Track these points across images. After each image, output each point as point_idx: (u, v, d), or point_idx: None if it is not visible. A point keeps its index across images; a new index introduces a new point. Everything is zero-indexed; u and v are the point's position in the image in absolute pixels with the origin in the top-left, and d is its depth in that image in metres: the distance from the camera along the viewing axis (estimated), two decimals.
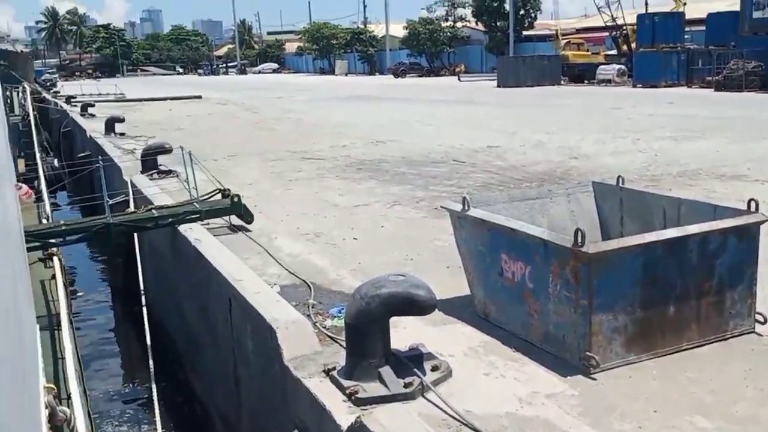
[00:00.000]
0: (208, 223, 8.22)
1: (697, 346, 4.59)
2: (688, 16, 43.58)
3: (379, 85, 52.34)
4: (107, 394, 8.90)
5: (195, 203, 8.31)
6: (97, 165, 9.34)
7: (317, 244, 7.65)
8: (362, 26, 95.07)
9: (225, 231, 8.25)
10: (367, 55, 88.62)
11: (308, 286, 6.17)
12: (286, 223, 8.68)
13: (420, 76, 69.51)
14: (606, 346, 4.30)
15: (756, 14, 34.58)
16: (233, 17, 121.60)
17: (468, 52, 75.06)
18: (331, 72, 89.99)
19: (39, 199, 11.48)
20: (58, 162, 19.94)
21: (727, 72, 33.40)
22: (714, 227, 4.59)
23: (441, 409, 3.89)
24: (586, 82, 44.74)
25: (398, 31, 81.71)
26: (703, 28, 41.75)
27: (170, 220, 7.99)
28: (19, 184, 10.77)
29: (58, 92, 45.58)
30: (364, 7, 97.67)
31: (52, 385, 4.24)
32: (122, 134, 19.21)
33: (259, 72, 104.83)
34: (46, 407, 3.66)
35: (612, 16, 47.48)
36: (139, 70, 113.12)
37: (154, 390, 6.65)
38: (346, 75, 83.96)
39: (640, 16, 43.24)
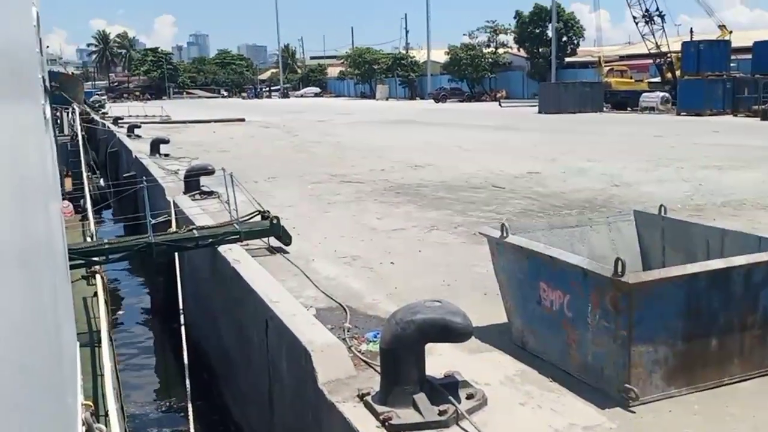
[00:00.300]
0: (247, 244, 8.30)
1: (740, 381, 4.46)
2: (734, 45, 43.02)
3: (419, 110, 52.54)
4: (144, 411, 8.97)
5: (235, 224, 8.40)
6: (141, 185, 9.53)
7: (354, 268, 7.66)
8: (404, 51, 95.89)
9: (263, 252, 8.31)
10: (408, 79, 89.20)
11: (344, 309, 6.17)
12: (324, 245, 8.72)
13: (461, 102, 69.63)
14: (646, 378, 4.20)
15: None
16: (278, 42, 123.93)
17: (509, 77, 75.06)
18: (372, 96, 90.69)
19: (84, 217, 11.73)
20: (104, 181, 20.40)
21: None
22: (759, 259, 4.47)
23: None
24: (628, 109, 44.30)
25: (440, 56, 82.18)
26: (749, 56, 41.14)
27: (210, 240, 8.09)
28: (65, 202, 11.02)
29: (106, 113, 46.68)
30: (407, 32, 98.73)
31: (90, 402, 4.29)
32: (167, 155, 19.58)
33: (302, 96, 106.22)
34: (83, 424, 3.70)
35: (656, 43, 47.19)
36: (184, 93, 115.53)
37: (190, 409, 6.69)
38: (387, 99, 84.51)
39: (685, 44, 42.81)
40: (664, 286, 4.21)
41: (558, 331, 4.65)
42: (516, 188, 13.07)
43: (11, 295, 1.64)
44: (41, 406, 2.06)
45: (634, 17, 48.01)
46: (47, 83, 4.52)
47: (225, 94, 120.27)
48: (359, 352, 5.16)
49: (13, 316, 1.64)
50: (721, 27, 47.97)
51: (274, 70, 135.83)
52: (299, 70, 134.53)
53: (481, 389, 4.32)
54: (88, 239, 10.12)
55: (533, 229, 5.63)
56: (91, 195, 14.27)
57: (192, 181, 12.53)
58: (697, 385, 4.35)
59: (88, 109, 43.54)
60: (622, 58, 62.54)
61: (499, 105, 56.32)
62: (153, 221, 8.56)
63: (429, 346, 4.26)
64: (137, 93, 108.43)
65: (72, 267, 6.85)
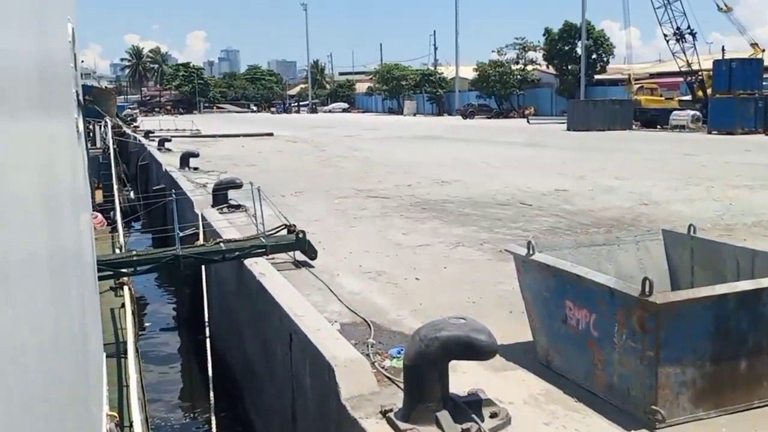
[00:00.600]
0: (273, 258, 8.35)
1: None
2: (766, 63, 42.48)
3: (446, 126, 52.57)
4: (168, 422, 9.03)
5: (261, 238, 8.47)
6: (170, 198, 9.65)
7: (379, 283, 7.66)
8: (432, 68, 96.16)
9: (289, 266, 8.35)
10: (435, 96, 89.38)
11: (368, 325, 6.16)
12: (349, 260, 8.73)
13: (488, 118, 69.54)
14: (673, 400, 4.14)
15: None
16: (307, 58, 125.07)
17: (538, 94, 74.84)
18: (400, 112, 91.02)
19: (114, 228, 11.89)
20: (134, 193, 20.68)
21: None
22: None
23: None
24: (658, 127, 43.92)
25: (468, 72, 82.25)
26: None
27: (237, 253, 8.16)
28: (94, 213, 11.18)
29: (138, 127, 47.45)
30: (435, 49, 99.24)
31: (115, 413, 4.33)
32: (196, 169, 19.81)
33: (330, 111, 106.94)
34: None
35: (687, 61, 46.78)
36: (215, 108, 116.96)
37: (213, 421, 6.72)
38: (415, 115, 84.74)
39: (716, 62, 42.35)
40: (693, 306, 4.15)
41: (584, 351, 4.60)
42: (543, 205, 12.99)
43: (41, 305, 1.68)
44: (67, 416, 2.09)
45: (665, 35, 47.69)
46: (81, 97, 4.61)
47: (254, 108, 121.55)
48: (383, 368, 5.14)
49: (42, 326, 1.67)
50: (754, 45, 47.50)
51: (303, 86, 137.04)
52: (328, 86, 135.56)
53: (505, 408, 4.28)
54: (117, 251, 10.26)
55: (560, 246, 5.59)
56: (121, 207, 14.48)
57: (220, 195, 12.66)
58: (725, 408, 4.27)
59: (120, 123, 44.31)
60: (652, 75, 62.10)
61: (528, 122, 56.16)
62: (181, 234, 8.67)
63: (453, 364, 4.24)
64: (168, 107, 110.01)
65: (100, 278, 6.94)
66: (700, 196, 14.05)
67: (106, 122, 30.42)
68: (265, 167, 20.99)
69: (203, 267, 8.90)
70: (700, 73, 46.45)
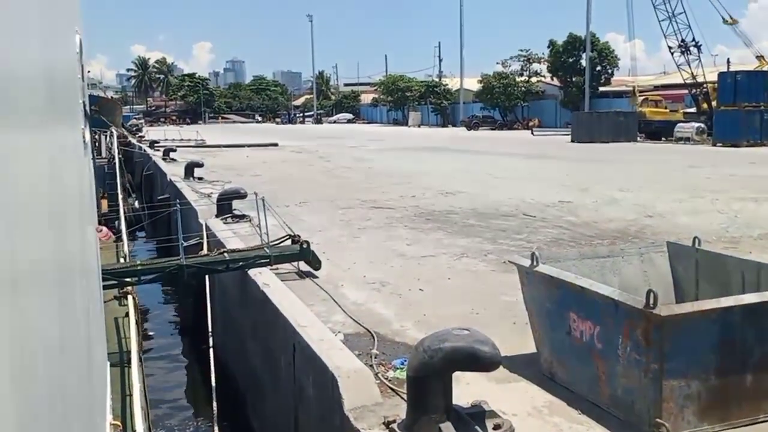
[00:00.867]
0: (276, 268, 8.36)
1: None
2: None
3: (451, 137, 52.63)
4: None
5: (265, 248, 8.48)
6: (175, 208, 9.68)
7: (382, 294, 7.66)
8: (437, 79, 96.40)
9: (293, 276, 8.36)
10: (440, 107, 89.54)
11: (372, 335, 6.16)
12: (353, 271, 8.73)
13: (493, 129, 69.61)
14: (678, 413, 4.12)
15: None
16: (312, 69, 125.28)
17: (542, 106, 74.89)
18: (405, 123, 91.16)
19: (119, 238, 11.92)
20: (139, 203, 20.74)
21: None
22: None
23: None
24: (663, 139, 43.86)
25: (472, 84, 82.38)
26: None
27: (241, 263, 8.17)
28: (100, 227, 11.22)
29: (143, 137, 47.61)
30: (440, 60, 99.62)
31: (118, 422, 4.33)
32: (200, 178, 19.86)
33: (335, 122, 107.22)
34: None
35: (692, 73, 46.76)
36: (220, 118, 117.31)
37: (216, 430, 6.71)
38: (419, 126, 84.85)
39: (721, 74, 42.36)
40: (697, 319, 4.14)
41: (588, 363, 4.58)
42: (547, 217, 12.98)
43: (47, 314, 1.68)
44: (72, 425, 2.09)
45: (670, 47, 47.72)
46: (88, 108, 4.64)
47: (259, 119, 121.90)
48: (386, 379, 5.14)
49: (49, 335, 1.68)
50: (760, 58, 47.48)
51: (308, 96, 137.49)
52: (333, 97, 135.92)
53: (509, 420, 4.27)
54: (122, 260, 10.27)
55: (564, 258, 5.58)
56: (125, 217, 14.51)
57: (224, 205, 12.69)
58: (731, 422, 4.25)
59: (126, 133, 44.45)
60: (656, 87, 62.09)
61: (532, 133, 56.19)
62: (185, 243, 8.68)
63: (456, 375, 4.23)
64: (174, 117, 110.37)
65: (105, 287, 6.95)
66: (705, 208, 14.02)
67: (111, 132, 30.53)
68: (269, 177, 21.03)
69: (207, 277, 8.91)
70: (705, 85, 46.41)
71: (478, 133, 62.43)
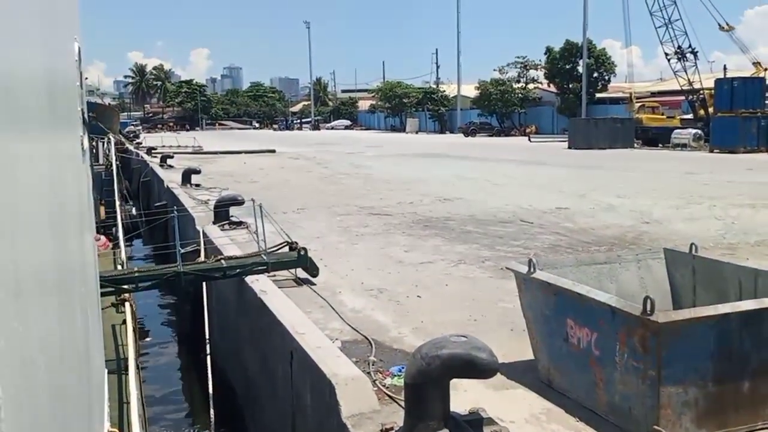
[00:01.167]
0: (274, 275, 8.35)
1: None
2: None
3: (448, 144, 52.70)
4: None
5: (263, 255, 8.48)
6: (172, 215, 9.68)
7: (380, 300, 7.66)
8: (434, 86, 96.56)
9: (290, 283, 8.35)
10: (437, 113, 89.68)
11: (369, 342, 6.16)
12: (351, 277, 8.73)
13: (490, 136, 69.71)
14: (675, 420, 4.12)
15: None
16: (310, 75, 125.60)
17: (539, 113, 75.04)
18: (402, 130, 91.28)
19: (116, 245, 11.91)
20: (136, 210, 20.73)
21: None
22: None
23: None
24: (660, 146, 43.97)
25: (470, 91, 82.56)
26: None
27: (238, 270, 8.16)
28: (98, 236, 11.21)
29: (140, 143, 47.62)
30: (437, 67, 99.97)
31: (116, 430, 4.32)
32: (197, 185, 19.86)
33: (332, 128, 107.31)
34: None
35: (689, 80, 46.92)
36: (217, 124, 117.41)
37: None
38: (417, 133, 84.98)
39: (718, 81, 42.46)
40: (695, 326, 4.15)
41: (585, 370, 4.59)
42: (544, 223, 13.00)
43: (48, 321, 1.69)
44: (67, 431, 2.09)
45: (667, 54, 47.88)
46: (86, 115, 4.65)
47: (256, 125, 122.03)
48: (384, 386, 5.14)
49: (50, 343, 1.68)
50: (756, 64, 47.65)
51: (305, 103, 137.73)
52: (330, 103, 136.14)
53: (506, 427, 4.27)
54: (119, 267, 10.27)
55: (561, 265, 5.59)
56: (123, 223, 14.50)
57: (221, 212, 12.69)
58: (728, 429, 4.25)
59: (123, 139, 44.46)
60: (653, 94, 62.30)
61: (529, 140, 56.25)
62: (182, 250, 8.68)
63: (454, 382, 4.23)
64: (171, 124, 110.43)
65: (102, 294, 6.95)
66: (702, 214, 14.05)
67: (109, 139, 30.52)
68: (266, 184, 21.04)
69: (204, 284, 8.91)
70: (701, 91, 46.57)
71: (475, 140, 62.51)
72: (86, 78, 4.81)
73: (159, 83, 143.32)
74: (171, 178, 21.29)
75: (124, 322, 7.71)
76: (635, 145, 44.53)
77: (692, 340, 4.13)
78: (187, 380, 10.94)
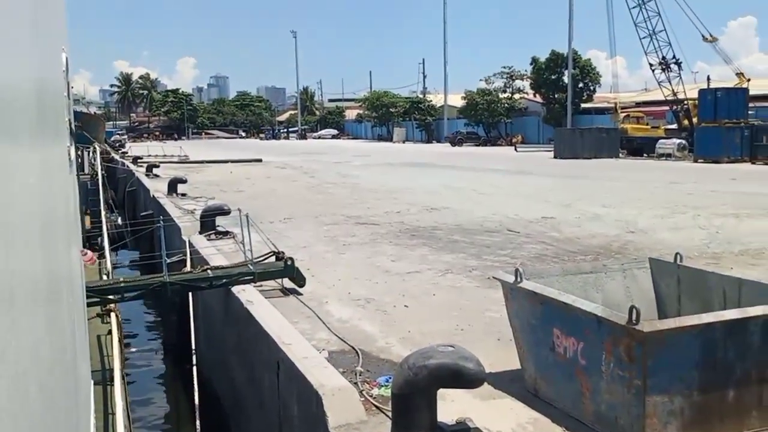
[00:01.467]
0: (260, 285, 8.33)
1: None
2: (752, 92, 43.05)
3: (435, 153, 52.85)
4: None
5: (249, 265, 8.46)
6: (158, 225, 9.64)
7: (367, 310, 7.65)
8: (421, 96, 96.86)
9: (277, 293, 8.34)
10: (424, 123, 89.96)
11: (356, 353, 6.15)
12: (338, 287, 8.73)
13: (477, 145, 70.03)
14: (661, 429, 4.14)
15: None
16: (297, 84, 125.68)
17: (525, 122, 75.46)
18: (389, 139, 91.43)
19: (101, 255, 11.84)
20: (122, 220, 20.61)
21: None
22: None
23: None
24: (645, 155, 44.29)
25: (456, 101, 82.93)
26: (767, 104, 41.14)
27: (224, 280, 8.14)
28: (85, 250, 11.14)
29: (126, 152, 47.40)
30: (424, 77, 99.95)
31: None
32: (184, 195, 19.80)
33: (319, 137, 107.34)
34: None
35: (673, 90, 47.35)
36: (203, 134, 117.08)
37: None
38: (404, 142, 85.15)
39: (701, 91, 42.88)
40: (679, 335, 4.18)
41: (571, 379, 4.61)
42: (531, 233, 13.05)
43: (39, 333, 1.68)
44: None
45: (651, 64, 48.31)
46: (73, 125, 4.64)
47: (243, 134, 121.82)
48: (371, 396, 5.13)
49: (41, 356, 1.68)
50: (739, 75, 48.13)
51: (292, 112, 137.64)
52: (317, 112, 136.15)
53: None
54: (105, 277, 10.20)
55: (547, 274, 5.62)
56: (108, 233, 14.42)
57: (208, 221, 12.65)
58: None
59: (109, 149, 44.24)
60: (638, 104, 62.76)
61: (515, 149, 56.54)
62: (168, 260, 8.64)
63: (441, 392, 4.24)
64: (157, 133, 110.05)
65: (88, 305, 6.90)
66: (686, 224, 14.16)
67: (94, 148, 30.37)
68: (253, 193, 21.00)
69: (190, 294, 8.87)
70: (685, 102, 46.99)
71: (462, 149, 62.75)
72: (72, 87, 4.80)
73: (145, 92, 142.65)
74: (157, 188, 21.21)
75: (110, 332, 7.65)
76: (620, 154, 44.85)
77: (677, 350, 4.16)
78: (172, 391, 10.87)
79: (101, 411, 5.75)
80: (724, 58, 49.12)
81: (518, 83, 76.75)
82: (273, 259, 8.74)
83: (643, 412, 4.10)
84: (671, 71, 47.65)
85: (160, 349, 12.93)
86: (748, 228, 13.46)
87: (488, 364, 4.43)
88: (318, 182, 25.68)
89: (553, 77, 69.20)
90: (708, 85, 45.29)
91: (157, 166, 29.29)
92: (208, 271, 8.34)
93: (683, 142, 42.43)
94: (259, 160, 39.54)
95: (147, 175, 26.93)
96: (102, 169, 25.38)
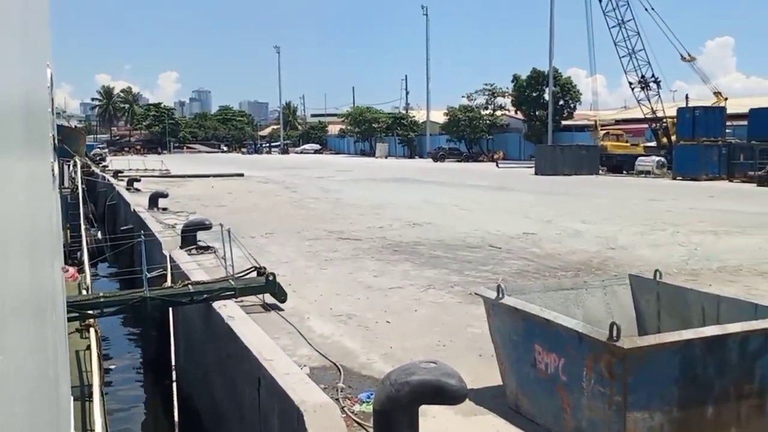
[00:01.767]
0: (242, 301, 8.30)
1: None
2: (730, 111, 43.75)
3: (418, 169, 53.02)
4: None
5: (230, 280, 8.42)
6: (139, 239, 9.57)
7: (349, 326, 7.65)
8: (404, 111, 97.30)
9: (258, 309, 8.30)
10: (407, 139, 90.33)
11: (338, 369, 6.14)
12: (319, 303, 8.71)
13: (459, 161, 70.40)
14: None
15: None
16: (279, 99, 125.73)
17: (506, 139, 76.04)
18: (372, 154, 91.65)
19: (81, 269, 11.73)
20: (102, 234, 20.42)
21: None
22: (755, 327, 4.48)
23: None
24: (624, 172, 44.75)
25: (438, 117, 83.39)
26: (745, 122, 41.78)
27: (205, 296, 8.09)
28: (66, 267, 11.03)
29: (107, 166, 47.08)
30: (407, 93, 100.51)
31: None
32: (165, 209, 19.69)
33: (301, 152, 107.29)
34: None
35: (652, 108, 47.96)
36: (185, 148, 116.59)
37: None
38: (386, 158, 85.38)
39: (680, 110, 43.50)
40: (660, 352, 4.22)
41: (552, 395, 4.63)
42: (512, 248, 13.12)
43: (25, 350, 1.68)
44: None
45: (630, 83, 48.93)
46: (56, 140, 4.62)
47: (225, 149, 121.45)
48: (352, 412, 5.12)
49: (26, 371, 1.67)
50: (717, 94, 48.88)
51: (275, 127, 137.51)
52: (300, 127, 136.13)
53: None
54: (84, 292, 10.09)
55: (529, 290, 5.65)
56: (88, 248, 14.28)
57: (189, 236, 12.58)
58: None
59: (89, 162, 43.89)
60: (618, 122, 63.45)
61: (497, 166, 56.90)
62: (149, 275, 8.58)
63: (423, 408, 4.24)
64: (138, 147, 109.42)
65: (67, 320, 6.83)
66: (665, 241, 14.31)
67: (75, 162, 30.14)
68: (235, 208, 20.94)
69: (171, 309, 8.80)
70: (664, 120, 47.60)
71: (444, 165, 63.03)
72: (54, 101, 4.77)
73: (126, 106, 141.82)
74: (138, 202, 21.08)
75: (89, 347, 7.57)
76: (600, 171, 45.27)
77: (657, 366, 4.19)
78: (152, 407, 10.75)
79: (80, 428, 5.69)
80: (702, 77, 49.93)
81: (500, 100, 77.43)
82: (254, 274, 8.72)
83: (623, 429, 4.12)
84: (650, 90, 48.31)
85: (139, 364, 12.79)
86: (725, 245, 13.63)
87: (470, 380, 4.44)
88: (300, 197, 25.65)
89: (534, 94, 69.88)
90: (686, 103, 45.95)
91: (138, 180, 29.12)
92: (189, 286, 8.29)
93: (662, 159, 42.94)
94: (241, 175, 39.45)
95: (128, 189, 26.78)
96: (82, 183, 25.18)
